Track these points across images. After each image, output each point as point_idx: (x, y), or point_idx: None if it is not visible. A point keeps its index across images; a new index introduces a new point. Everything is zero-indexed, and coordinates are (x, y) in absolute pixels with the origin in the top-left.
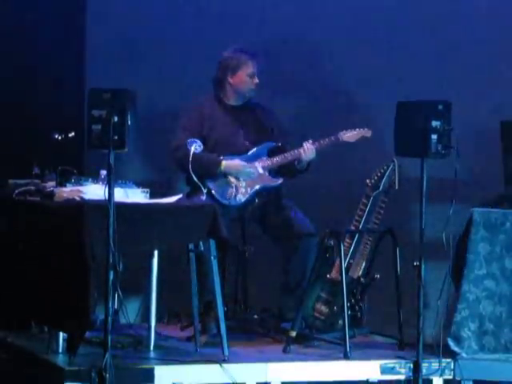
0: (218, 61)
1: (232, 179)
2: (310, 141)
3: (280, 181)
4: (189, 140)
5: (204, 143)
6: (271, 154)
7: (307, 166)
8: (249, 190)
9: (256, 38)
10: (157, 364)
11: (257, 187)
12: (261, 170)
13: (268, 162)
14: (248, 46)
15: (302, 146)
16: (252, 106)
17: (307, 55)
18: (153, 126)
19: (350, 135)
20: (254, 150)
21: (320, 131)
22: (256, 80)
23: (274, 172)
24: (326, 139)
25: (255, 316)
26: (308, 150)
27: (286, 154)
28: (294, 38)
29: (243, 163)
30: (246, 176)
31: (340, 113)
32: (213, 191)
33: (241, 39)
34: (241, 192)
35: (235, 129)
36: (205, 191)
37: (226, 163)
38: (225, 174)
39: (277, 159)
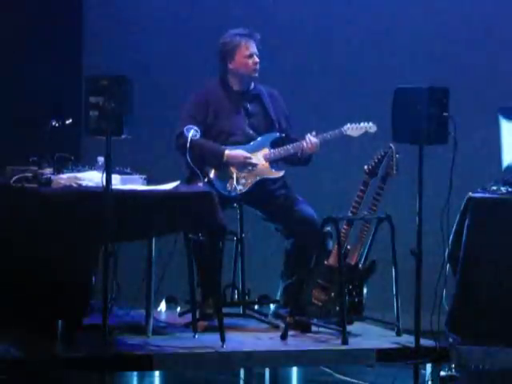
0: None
1: (233, 170)
2: (314, 133)
3: (281, 173)
4: (186, 127)
5: (208, 131)
6: (275, 144)
7: (310, 158)
8: (249, 181)
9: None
10: (155, 351)
11: (257, 179)
12: (263, 161)
13: (271, 154)
14: (245, 27)
15: (304, 138)
16: (259, 92)
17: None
18: (151, 112)
19: (354, 129)
20: (258, 139)
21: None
22: (256, 59)
23: (276, 163)
24: (330, 132)
25: (254, 303)
26: (311, 143)
27: (288, 146)
28: None
29: (246, 154)
30: (247, 167)
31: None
32: (213, 181)
33: (242, 23)
34: (241, 183)
35: (240, 117)
36: (205, 180)
37: (229, 153)
38: (226, 164)
39: (280, 151)
